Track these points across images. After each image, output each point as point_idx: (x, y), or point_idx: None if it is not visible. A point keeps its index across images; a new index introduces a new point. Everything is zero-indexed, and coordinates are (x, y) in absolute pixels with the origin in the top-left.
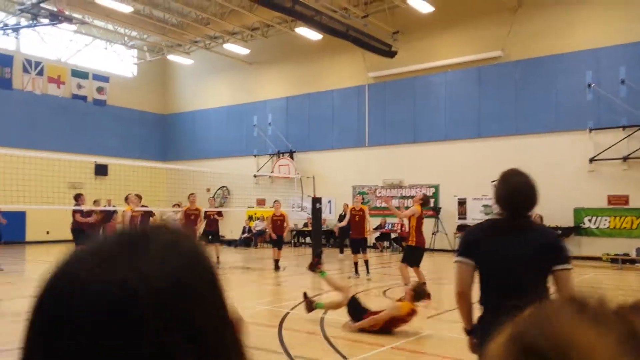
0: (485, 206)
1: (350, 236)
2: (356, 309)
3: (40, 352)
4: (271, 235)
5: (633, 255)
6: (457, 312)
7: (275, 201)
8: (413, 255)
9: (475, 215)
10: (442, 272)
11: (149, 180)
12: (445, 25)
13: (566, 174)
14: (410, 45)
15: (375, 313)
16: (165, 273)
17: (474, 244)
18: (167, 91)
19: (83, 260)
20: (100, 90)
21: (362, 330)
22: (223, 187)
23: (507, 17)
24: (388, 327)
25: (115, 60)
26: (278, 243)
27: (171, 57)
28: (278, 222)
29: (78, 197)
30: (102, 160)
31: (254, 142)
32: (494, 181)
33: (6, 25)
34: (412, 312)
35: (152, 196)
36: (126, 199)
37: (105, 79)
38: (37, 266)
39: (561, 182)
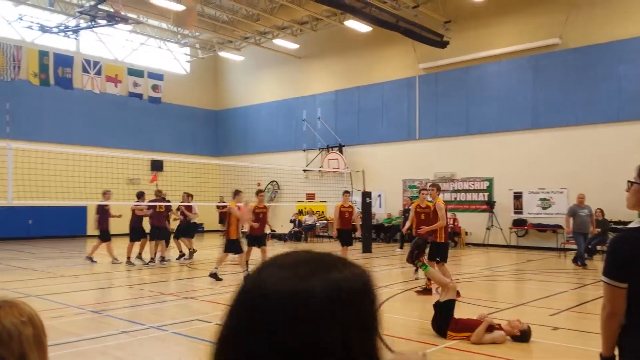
0: (543, 200)
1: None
2: (447, 314)
3: (264, 344)
4: (335, 231)
5: None
6: (512, 310)
7: (345, 192)
8: (439, 251)
9: (532, 210)
10: (496, 268)
11: (201, 176)
12: (499, 13)
13: (630, 164)
14: (463, 35)
15: (463, 321)
16: (348, 286)
17: (631, 263)
18: (219, 87)
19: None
20: (155, 88)
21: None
22: (273, 181)
23: (565, 3)
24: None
25: (169, 58)
26: (346, 239)
27: (222, 54)
28: (346, 214)
29: (141, 195)
30: (157, 156)
31: (304, 137)
32: (631, 182)
33: (67, 27)
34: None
35: (204, 191)
36: (236, 193)
37: (159, 76)
38: (105, 258)
39: (625, 174)
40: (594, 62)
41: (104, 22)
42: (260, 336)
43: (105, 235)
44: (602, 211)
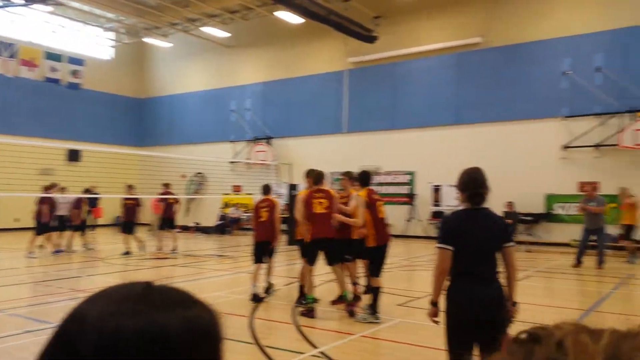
0: None
1: None
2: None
3: None
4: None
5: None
6: (427, 298)
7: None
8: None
9: (450, 202)
10: (415, 259)
11: (123, 167)
12: (427, 10)
13: (539, 161)
14: (391, 30)
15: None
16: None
17: (455, 232)
18: (144, 75)
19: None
20: (75, 73)
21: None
22: (199, 173)
23: (488, 3)
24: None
25: (91, 42)
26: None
27: (149, 40)
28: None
29: (51, 187)
30: (75, 145)
31: (231, 128)
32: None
33: None
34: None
35: (128, 183)
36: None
37: (80, 61)
38: (5, 254)
39: (534, 169)
40: (512, 61)
41: (20, 1)
42: None
43: (43, 228)
44: (511, 203)
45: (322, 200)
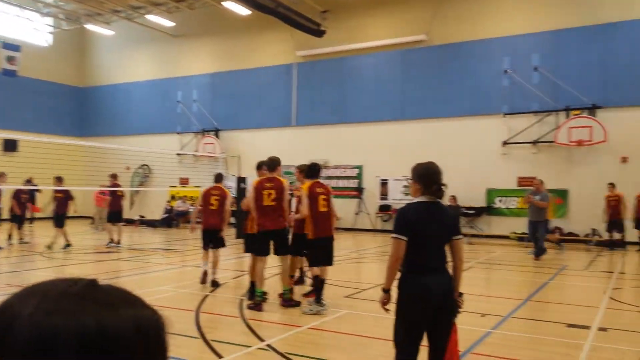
0: (406, 187)
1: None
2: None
3: None
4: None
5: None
6: (374, 290)
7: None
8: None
9: (396, 196)
10: (363, 251)
11: (64, 158)
12: (373, 6)
13: (481, 156)
14: (339, 25)
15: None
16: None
17: (411, 223)
18: (86, 63)
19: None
20: (10, 59)
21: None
22: (144, 165)
23: (432, 1)
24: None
25: (29, 28)
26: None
27: (90, 27)
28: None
29: None
30: (11, 135)
31: (178, 119)
32: (408, 178)
33: None
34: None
35: (69, 175)
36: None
37: (16, 47)
38: None
39: (476, 165)
40: (455, 59)
41: None
42: None
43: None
44: (455, 197)
45: (270, 192)
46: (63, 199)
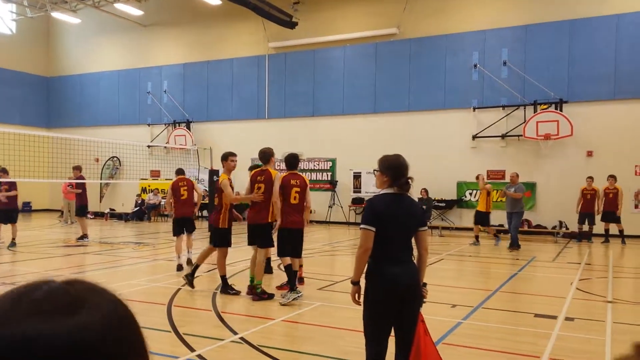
0: None
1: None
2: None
3: None
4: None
5: (506, 226)
6: (347, 282)
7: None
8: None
9: (369, 189)
10: (336, 244)
11: (30, 149)
12: None
13: (452, 150)
14: (311, 17)
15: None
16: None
17: (380, 215)
18: (51, 52)
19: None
20: None
21: None
22: (114, 157)
23: None
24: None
25: None
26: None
27: (55, 15)
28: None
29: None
30: None
31: (148, 110)
32: (375, 170)
33: None
34: None
35: (34, 166)
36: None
37: None
38: None
39: (447, 158)
40: (425, 53)
41: None
42: None
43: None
44: (426, 190)
45: (260, 185)
46: (8, 192)
